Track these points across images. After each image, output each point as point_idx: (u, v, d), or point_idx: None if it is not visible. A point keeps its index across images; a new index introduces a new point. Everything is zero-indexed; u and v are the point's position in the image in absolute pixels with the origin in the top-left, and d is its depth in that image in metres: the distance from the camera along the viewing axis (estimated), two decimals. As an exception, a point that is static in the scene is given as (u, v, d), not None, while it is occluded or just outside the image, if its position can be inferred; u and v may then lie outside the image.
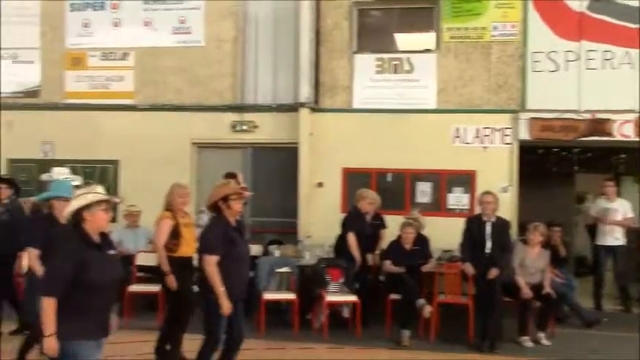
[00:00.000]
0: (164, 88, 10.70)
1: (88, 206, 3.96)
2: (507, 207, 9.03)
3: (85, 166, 10.08)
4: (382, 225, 8.40)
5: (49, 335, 3.76)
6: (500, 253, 7.32)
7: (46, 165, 10.66)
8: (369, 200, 8.26)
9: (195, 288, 5.79)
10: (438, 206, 9.86)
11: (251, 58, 10.62)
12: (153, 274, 7.35)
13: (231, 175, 7.98)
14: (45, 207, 5.85)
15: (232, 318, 5.12)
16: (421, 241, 8.11)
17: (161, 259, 6.17)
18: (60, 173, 7.02)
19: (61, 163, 10.49)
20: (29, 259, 5.76)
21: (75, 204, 3.99)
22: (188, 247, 6.31)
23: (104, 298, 3.98)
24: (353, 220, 8.21)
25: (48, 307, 3.79)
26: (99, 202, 3.98)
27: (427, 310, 7.28)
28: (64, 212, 5.62)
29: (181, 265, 6.22)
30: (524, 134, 9.64)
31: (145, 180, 9.73)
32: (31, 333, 5.44)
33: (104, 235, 4.10)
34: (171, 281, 6.10)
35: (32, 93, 11.15)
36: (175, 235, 6.22)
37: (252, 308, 7.28)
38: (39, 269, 5.77)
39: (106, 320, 4.02)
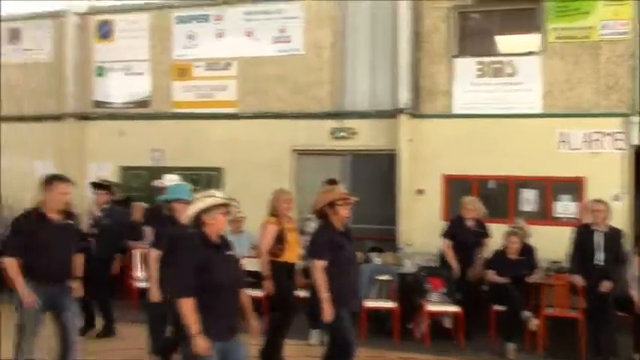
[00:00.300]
0: (265, 96, 10.95)
1: (207, 209, 4.10)
2: (620, 216, 8.55)
3: (192, 173, 10.45)
4: (485, 234, 8.20)
5: (196, 334, 3.88)
6: (613, 264, 6.96)
7: (156, 172, 11.16)
8: (470, 207, 8.08)
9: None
10: (543, 215, 9.51)
11: (349, 64, 10.67)
12: (255, 279, 7.53)
13: (332, 182, 8.04)
14: (165, 209, 6.12)
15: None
16: (527, 250, 7.86)
17: (263, 263, 6.29)
18: (171, 180, 7.29)
19: (169, 170, 10.95)
20: (150, 260, 6.07)
21: (195, 207, 4.15)
22: (292, 252, 6.42)
23: (228, 299, 4.10)
24: (452, 227, 8.08)
25: (186, 308, 3.93)
26: (218, 206, 4.11)
27: (534, 322, 7.04)
28: (184, 214, 5.93)
29: (285, 270, 6.33)
30: (637, 139, 9.13)
31: (247, 186, 9.99)
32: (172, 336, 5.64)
33: (222, 237, 4.24)
34: (269, 286, 6.20)
35: (143, 103, 11.72)
36: (280, 240, 6.33)
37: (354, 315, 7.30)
38: (153, 273, 6.07)
39: (232, 321, 4.14)
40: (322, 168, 10.24)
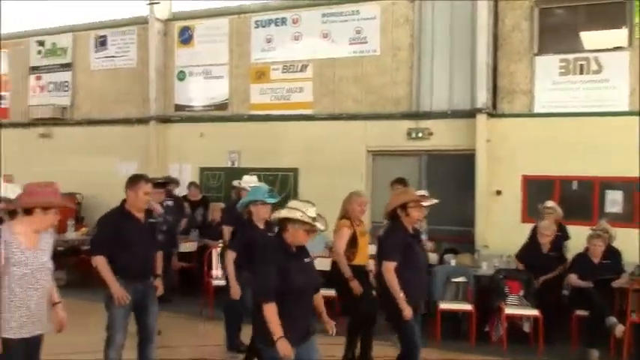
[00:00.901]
0: (341, 97, 10.97)
1: (293, 220, 4.14)
2: None
3: (268, 173, 10.60)
4: (565, 236, 7.87)
5: (279, 338, 3.92)
6: None
7: (233, 173, 11.42)
8: (546, 232, 7.76)
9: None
10: (630, 217, 9.06)
11: (426, 64, 10.53)
12: (327, 279, 7.53)
13: (400, 181, 7.97)
14: (245, 213, 6.26)
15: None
16: (611, 254, 7.49)
17: (342, 266, 6.23)
18: (249, 181, 7.43)
19: (246, 171, 11.16)
20: (227, 259, 6.19)
21: (284, 213, 4.20)
22: (363, 256, 6.39)
23: (303, 305, 4.16)
24: (525, 253, 7.87)
25: (269, 312, 3.99)
26: (303, 223, 4.15)
27: (619, 329, 6.70)
28: (262, 215, 5.99)
29: (358, 273, 6.30)
30: None
31: (323, 187, 10.02)
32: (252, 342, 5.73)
33: (301, 246, 4.28)
34: (356, 286, 6.16)
35: (221, 106, 11.99)
36: (353, 243, 6.29)
37: (426, 316, 7.18)
38: (232, 272, 6.19)
39: (307, 324, 4.19)
40: (398, 169, 10.11)
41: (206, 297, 9.34)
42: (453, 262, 8.21)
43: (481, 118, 9.78)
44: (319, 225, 4.23)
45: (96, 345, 5.58)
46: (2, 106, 14.34)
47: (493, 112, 9.83)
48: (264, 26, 11.69)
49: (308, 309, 4.24)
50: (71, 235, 10.96)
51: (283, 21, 11.55)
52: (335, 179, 10.11)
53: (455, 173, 10.24)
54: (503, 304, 7.32)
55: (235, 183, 7.95)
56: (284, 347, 3.91)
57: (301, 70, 11.33)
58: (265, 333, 3.99)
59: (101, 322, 5.41)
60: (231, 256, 6.08)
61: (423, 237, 7.00)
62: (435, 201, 6.38)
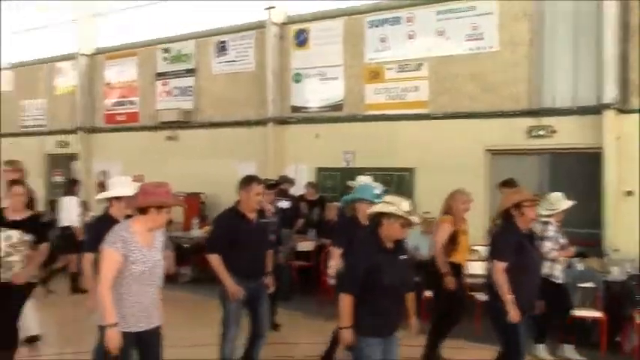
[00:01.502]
0: (457, 95, 10.75)
1: (388, 215, 4.17)
2: None
3: (383, 174, 10.57)
4: None
5: (345, 328, 4.12)
6: None
7: (348, 173, 11.49)
8: None
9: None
10: None
11: (547, 59, 10.08)
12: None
13: (508, 183, 7.74)
14: (349, 210, 6.29)
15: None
16: None
17: (439, 260, 6.23)
18: (364, 181, 7.46)
19: (361, 171, 11.20)
20: (332, 257, 6.27)
21: (378, 207, 4.27)
22: (462, 255, 6.36)
23: (392, 300, 4.23)
24: None
25: (344, 302, 4.16)
26: (397, 217, 4.16)
27: None
28: (366, 213, 6.05)
29: (454, 270, 6.27)
30: None
31: (439, 187, 9.74)
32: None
33: (398, 241, 4.30)
34: (450, 281, 6.12)
35: (336, 107, 12.10)
36: (453, 240, 6.27)
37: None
38: (334, 266, 6.26)
39: (393, 320, 4.28)
40: (518, 169, 9.79)
41: (324, 295, 9.48)
42: (580, 267, 7.82)
43: (609, 114, 9.24)
44: (414, 218, 4.24)
45: (213, 338, 5.82)
46: (132, 110, 15.25)
47: (623, 108, 9.26)
48: (377, 26, 11.67)
49: (398, 306, 4.31)
50: (195, 232, 11.49)
51: (397, 20, 11.47)
52: (452, 179, 9.78)
53: (580, 173, 9.75)
54: (637, 312, 6.88)
55: (350, 184, 8.00)
56: (347, 336, 4.13)
57: (416, 69, 11.21)
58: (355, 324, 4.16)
59: (219, 317, 5.64)
60: (336, 252, 6.15)
61: (562, 241, 6.72)
62: (570, 203, 6.20)
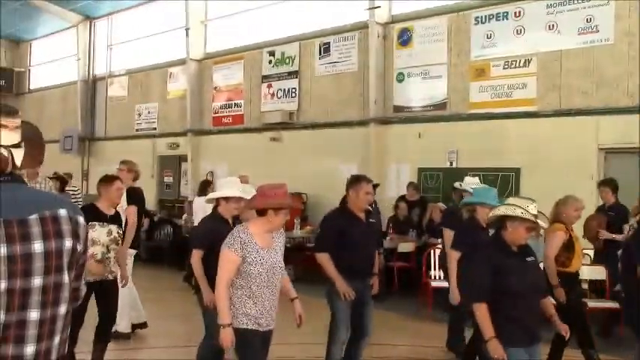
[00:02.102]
0: (568, 92, 10.23)
1: (513, 217, 3.98)
2: None
3: (488, 173, 10.24)
4: None
5: (490, 338, 3.89)
6: None
7: (450, 173, 11.25)
8: None
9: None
10: None
11: (669, 51, 9.41)
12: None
13: (608, 183, 7.32)
14: (466, 211, 6.14)
15: None
16: None
17: (550, 272, 5.91)
18: (471, 182, 7.24)
19: (464, 171, 10.94)
20: (450, 262, 6.11)
21: (502, 210, 4.06)
22: (577, 262, 6.06)
23: (528, 306, 4.00)
24: None
25: (479, 312, 3.96)
26: (523, 220, 3.97)
27: None
28: (486, 217, 5.83)
29: (571, 279, 6.02)
30: None
31: (547, 188, 9.38)
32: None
33: (523, 245, 4.10)
34: (561, 294, 5.83)
35: (440, 105, 11.86)
36: (569, 248, 5.96)
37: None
38: (454, 272, 6.08)
39: (532, 328, 4.04)
40: (635, 168, 9.19)
41: (424, 297, 9.31)
42: None
43: None
44: (541, 222, 4.01)
45: (314, 336, 5.82)
46: (238, 113, 15.68)
47: None
48: (484, 22, 11.34)
49: (533, 311, 4.05)
50: (297, 232, 11.65)
51: (505, 15, 11.09)
52: (561, 180, 9.43)
53: None
54: None
55: (457, 185, 7.76)
56: (494, 348, 3.84)
57: (524, 65, 10.78)
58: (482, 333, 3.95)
59: (315, 317, 5.61)
60: (455, 255, 5.99)
61: None
62: None
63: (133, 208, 7.31)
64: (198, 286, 5.45)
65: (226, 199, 5.56)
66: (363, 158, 12.68)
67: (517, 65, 10.86)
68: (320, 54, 13.84)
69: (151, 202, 7.54)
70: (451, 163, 11.53)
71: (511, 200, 4.16)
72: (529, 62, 10.72)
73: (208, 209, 10.47)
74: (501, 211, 4.06)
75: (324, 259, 5.43)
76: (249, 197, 4.91)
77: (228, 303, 4.12)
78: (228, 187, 5.72)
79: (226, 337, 4.08)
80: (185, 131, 16.68)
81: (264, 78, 15.00)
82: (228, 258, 4.12)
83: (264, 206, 4.25)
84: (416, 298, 9.55)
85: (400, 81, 12.50)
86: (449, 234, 6.72)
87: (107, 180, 6.04)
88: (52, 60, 22.19)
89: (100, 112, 20.19)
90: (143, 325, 7.70)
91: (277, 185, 4.38)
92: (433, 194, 11.64)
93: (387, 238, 10.87)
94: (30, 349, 2.20)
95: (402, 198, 11.53)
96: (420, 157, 11.96)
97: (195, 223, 10.47)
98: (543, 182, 9.87)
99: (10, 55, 23.67)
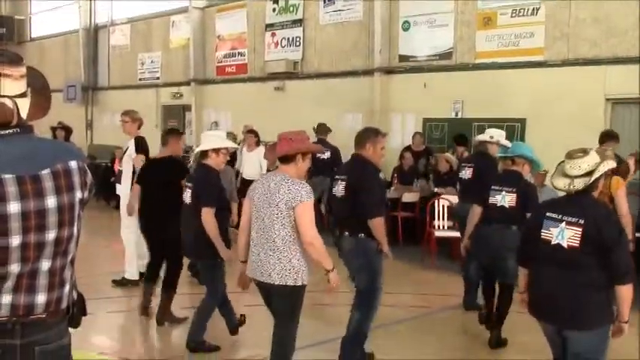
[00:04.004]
0: (576, 41, 10.08)
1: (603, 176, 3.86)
2: None
3: (493, 124, 10.15)
4: None
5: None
6: None
7: (456, 123, 11.22)
8: None
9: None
10: None
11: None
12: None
13: (609, 135, 7.22)
14: (505, 164, 6.07)
15: None
16: None
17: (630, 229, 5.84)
18: (497, 134, 7.18)
19: (469, 122, 10.91)
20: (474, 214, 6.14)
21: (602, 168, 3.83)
22: None
23: None
24: None
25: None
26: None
27: None
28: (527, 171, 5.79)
29: None
30: None
31: (553, 139, 9.37)
32: None
33: None
34: None
35: (445, 55, 11.72)
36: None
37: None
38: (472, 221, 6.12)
39: None
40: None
41: (428, 246, 9.41)
42: None
43: None
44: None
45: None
46: (242, 62, 15.53)
47: None
48: (495, -32, 11.09)
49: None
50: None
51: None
52: (567, 131, 9.39)
53: None
54: None
55: (480, 137, 7.63)
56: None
57: (532, 14, 10.59)
58: None
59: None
60: (479, 210, 6.03)
61: None
62: None
63: (139, 157, 7.38)
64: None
65: (216, 151, 5.57)
66: (368, 108, 12.61)
67: (525, 14, 10.67)
68: (324, 2, 13.61)
69: (154, 152, 7.52)
70: (456, 114, 11.47)
71: (597, 149, 4.00)
72: (537, 11, 10.53)
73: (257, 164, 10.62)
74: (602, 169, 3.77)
75: (382, 222, 5.11)
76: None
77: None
78: (213, 140, 5.72)
79: (336, 279, 4.31)
80: (188, 81, 16.57)
81: (268, 27, 14.80)
82: (312, 208, 4.19)
83: (295, 151, 4.24)
84: (420, 247, 9.65)
85: (406, 30, 12.32)
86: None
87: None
88: (53, 8, 21.89)
89: (102, 62, 20.03)
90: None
91: (299, 132, 4.38)
92: (438, 144, 11.63)
93: (392, 188, 10.93)
94: (41, 297, 2.25)
95: (408, 148, 11.52)
96: (425, 107, 11.89)
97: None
98: (549, 133, 9.84)
99: (11, 3, 23.34)
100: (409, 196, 10.50)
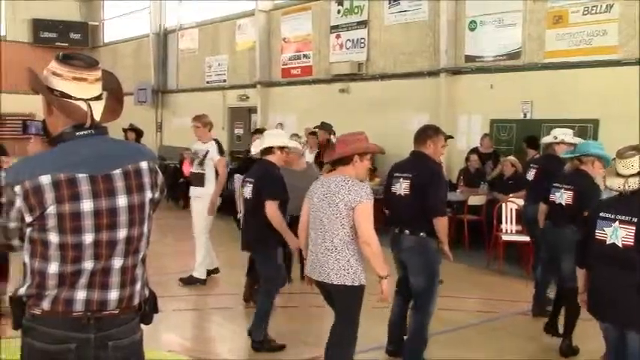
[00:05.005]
0: (653, 39, 9.68)
1: None
2: None
3: (563, 125, 9.85)
4: None
5: None
6: None
7: (524, 125, 10.95)
8: None
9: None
10: None
11: None
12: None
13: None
14: (574, 164, 5.96)
15: None
16: None
17: None
18: (562, 133, 6.99)
19: (539, 122, 10.62)
20: (541, 213, 6.00)
21: None
22: None
23: None
24: None
25: None
26: None
27: None
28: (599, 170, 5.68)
29: None
30: None
31: (626, 140, 8.96)
32: None
33: None
34: None
35: (513, 55, 11.45)
36: None
37: None
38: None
39: None
40: None
41: (494, 250, 9.22)
42: None
43: None
44: None
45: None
46: (307, 64, 15.62)
47: None
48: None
49: None
50: (366, 184, 11.63)
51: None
52: (641, 131, 9.03)
53: None
54: None
55: (546, 139, 7.43)
56: None
57: (605, 11, 10.22)
58: None
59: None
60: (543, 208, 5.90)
61: None
62: None
63: (224, 160, 7.59)
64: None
65: (282, 148, 5.68)
66: (433, 109, 12.46)
67: (598, 11, 10.31)
68: (389, 2, 13.54)
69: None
70: (525, 115, 11.19)
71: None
72: (610, 7, 10.16)
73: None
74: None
75: (446, 221, 5.13)
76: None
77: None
78: (277, 137, 5.87)
79: (387, 290, 4.29)
80: (254, 83, 16.79)
81: (333, 28, 14.84)
82: (372, 209, 4.22)
83: (351, 152, 4.26)
84: (486, 251, 9.46)
85: (472, 29, 12.12)
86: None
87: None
88: (125, 13, 22.62)
89: (171, 65, 20.55)
90: (215, 271, 8.02)
91: (356, 132, 4.43)
92: (505, 147, 11.38)
93: (457, 190, 10.76)
94: (114, 294, 2.33)
95: (475, 150, 11.33)
96: (492, 108, 11.66)
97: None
98: (623, 134, 9.41)
99: (85, 9, 24.25)
100: (475, 199, 10.32)
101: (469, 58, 12.19)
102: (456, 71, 12.35)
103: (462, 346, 5.95)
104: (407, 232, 5.14)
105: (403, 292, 5.37)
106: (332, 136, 11.36)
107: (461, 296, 7.37)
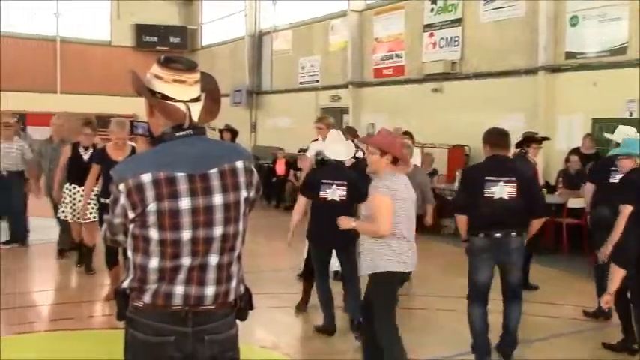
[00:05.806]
0: None
1: None
2: None
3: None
4: None
5: None
6: None
7: (630, 124, 10.26)
8: None
9: None
10: None
11: None
12: None
13: None
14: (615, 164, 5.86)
15: None
16: None
17: None
18: (623, 132, 6.62)
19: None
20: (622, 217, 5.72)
21: None
22: None
23: None
24: None
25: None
26: None
27: None
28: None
29: None
30: None
31: None
32: None
33: None
34: None
35: (618, 51, 10.89)
36: None
37: None
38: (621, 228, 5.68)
39: None
40: None
41: (595, 256, 8.81)
42: None
43: None
44: None
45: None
46: (399, 64, 15.51)
47: None
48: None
49: None
50: (457, 185, 11.40)
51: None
52: None
53: None
54: None
55: (607, 136, 7.09)
56: None
57: None
58: None
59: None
60: (626, 211, 5.58)
61: None
62: None
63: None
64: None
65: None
66: (530, 109, 12.05)
67: None
68: (484, 0, 13.21)
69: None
70: (630, 114, 10.61)
71: None
72: None
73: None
74: None
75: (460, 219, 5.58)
76: None
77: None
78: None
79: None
80: (346, 83, 16.84)
81: (426, 27, 14.65)
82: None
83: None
84: (585, 256, 9.06)
85: (573, 25, 11.62)
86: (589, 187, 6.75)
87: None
88: (222, 17, 23.28)
89: (265, 66, 20.95)
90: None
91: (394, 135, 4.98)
92: (608, 147, 10.82)
93: (556, 192, 10.36)
94: (210, 289, 2.39)
95: (575, 150, 10.85)
96: (594, 107, 11.13)
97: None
98: None
99: (184, 14, 25.15)
100: (575, 202, 9.88)
101: (570, 55, 11.71)
102: (555, 69, 11.89)
103: (555, 354, 5.72)
104: (514, 233, 5.23)
105: (485, 297, 5.30)
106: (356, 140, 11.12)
107: (558, 303, 7.09)
